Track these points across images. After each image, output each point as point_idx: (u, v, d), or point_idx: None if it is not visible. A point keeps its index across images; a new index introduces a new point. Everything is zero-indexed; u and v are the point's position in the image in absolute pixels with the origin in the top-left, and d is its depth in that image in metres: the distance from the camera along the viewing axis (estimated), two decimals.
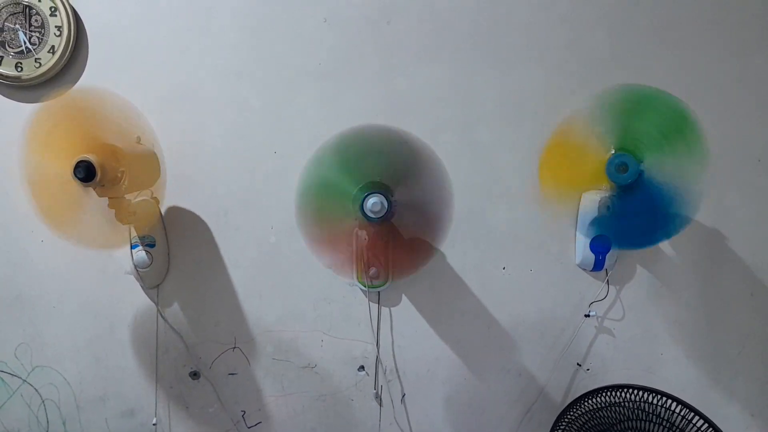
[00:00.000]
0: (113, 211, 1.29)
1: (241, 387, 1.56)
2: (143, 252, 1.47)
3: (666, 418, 1.20)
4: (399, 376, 1.57)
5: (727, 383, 1.59)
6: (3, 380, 1.53)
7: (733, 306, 1.59)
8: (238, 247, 1.54)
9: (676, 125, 1.36)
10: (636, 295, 1.58)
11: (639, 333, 1.58)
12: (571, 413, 1.40)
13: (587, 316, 1.57)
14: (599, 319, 1.58)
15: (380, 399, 1.56)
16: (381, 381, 1.56)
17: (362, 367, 1.57)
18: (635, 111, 1.38)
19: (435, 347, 1.58)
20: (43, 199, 1.30)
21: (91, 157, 1.20)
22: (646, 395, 1.29)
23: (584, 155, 1.43)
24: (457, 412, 1.59)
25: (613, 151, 1.39)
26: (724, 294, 1.59)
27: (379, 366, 1.57)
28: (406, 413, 1.58)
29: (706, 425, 1.19)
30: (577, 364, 1.59)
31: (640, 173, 1.36)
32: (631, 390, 1.32)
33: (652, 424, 1.20)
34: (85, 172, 1.19)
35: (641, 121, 1.37)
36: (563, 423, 1.41)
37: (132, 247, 1.45)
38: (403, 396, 1.58)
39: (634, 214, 1.41)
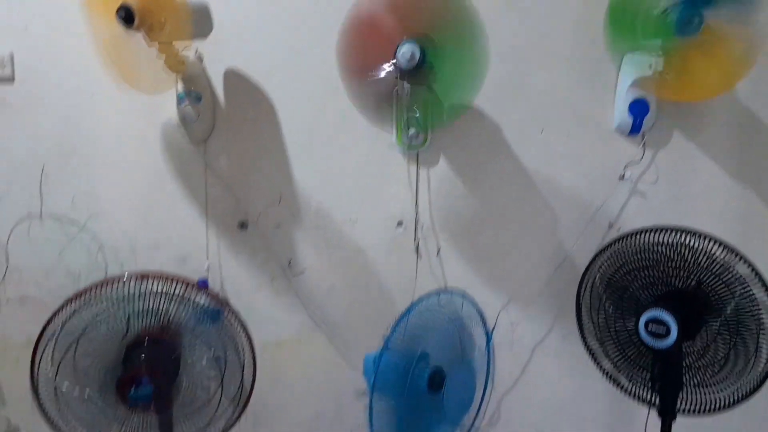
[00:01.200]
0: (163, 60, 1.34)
1: (287, 239, 1.66)
2: (190, 106, 1.51)
3: (703, 263, 1.25)
4: (435, 232, 1.65)
5: (758, 248, 1.65)
6: (62, 227, 1.64)
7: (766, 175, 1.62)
8: (284, 107, 1.58)
9: None
10: (671, 159, 1.60)
11: (672, 197, 1.62)
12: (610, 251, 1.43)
13: (622, 178, 1.61)
14: (633, 181, 1.62)
15: (418, 251, 1.65)
16: (419, 235, 1.64)
17: (400, 223, 1.65)
18: None
19: (470, 206, 1.64)
20: (105, 53, 1.33)
21: (131, 2, 1.26)
22: (683, 236, 1.30)
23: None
24: (488, 267, 1.68)
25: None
26: (759, 164, 1.62)
27: (417, 222, 1.65)
28: (441, 266, 1.67)
29: (750, 269, 1.24)
30: (609, 223, 1.65)
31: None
32: (668, 231, 1.32)
33: (688, 265, 1.26)
34: (125, 13, 1.27)
35: None
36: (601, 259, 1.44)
37: (179, 99, 1.49)
38: (439, 250, 1.66)
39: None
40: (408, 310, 1.22)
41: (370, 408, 1.24)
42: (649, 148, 1.60)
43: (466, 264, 1.67)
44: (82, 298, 1.20)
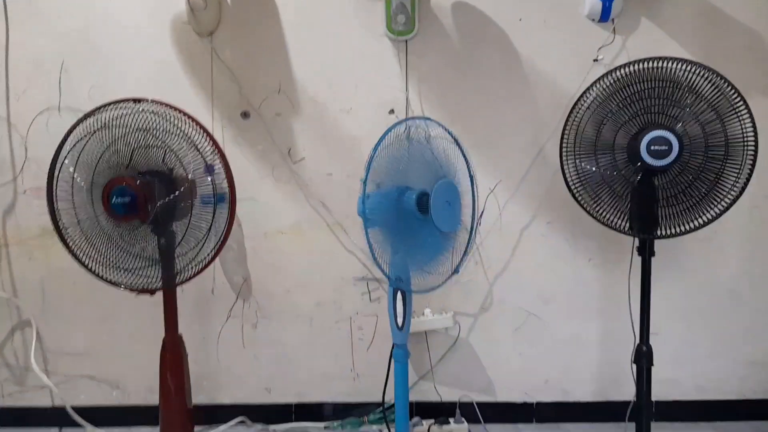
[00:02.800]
0: None
1: (286, 127, 1.77)
2: None
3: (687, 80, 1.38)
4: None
5: None
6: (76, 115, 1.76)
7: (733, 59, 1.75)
8: (284, 4, 1.73)
9: None
10: (641, 44, 1.74)
11: None
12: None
13: (596, 60, 1.74)
14: (607, 66, 1.74)
15: (409, 138, 1.76)
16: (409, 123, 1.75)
17: (392, 111, 1.77)
18: None
19: (457, 93, 1.77)
20: None
21: None
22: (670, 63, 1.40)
23: None
24: (476, 152, 1.76)
25: None
26: (721, 48, 1.75)
27: (408, 110, 1.76)
28: (432, 151, 1.77)
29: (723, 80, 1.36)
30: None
31: None
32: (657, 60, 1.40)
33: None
34: None
35: None
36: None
37: None
38: (429, 137, 1.77)
39: None
40: (377, 144, 1.32)
41: (368, 239, 1.32)
42: (619, 34, 1.74)
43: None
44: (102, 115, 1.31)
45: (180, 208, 1.36)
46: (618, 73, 1.42)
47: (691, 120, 1.38)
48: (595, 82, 1.44)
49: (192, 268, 1.40)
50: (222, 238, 1.40)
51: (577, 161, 1.47)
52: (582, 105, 1.46)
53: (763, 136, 1.75)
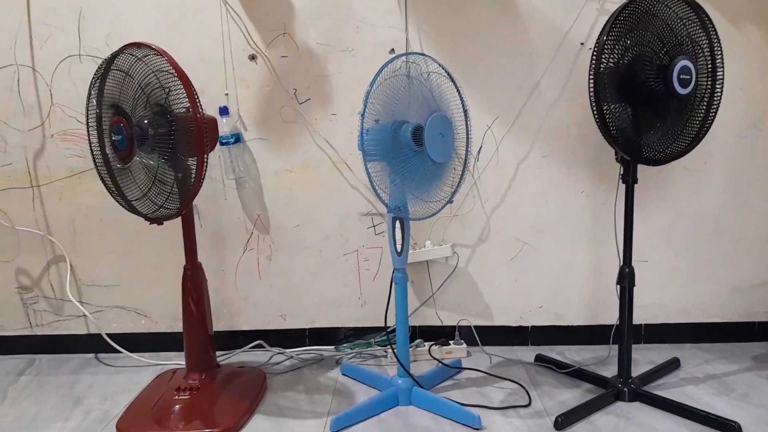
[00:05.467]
0: None
1: (292, 68, 1.86)
2: None
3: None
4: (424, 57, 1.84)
5: None
6: (96, 63, 1.87)
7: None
8: None
9: None
10: None
11: None
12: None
13: None
14: (600, 2, 1.79)
15: (410, 76, 1.84)
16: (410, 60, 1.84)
17: (392, 50, 1.84)
18: None
19: (455, 31, 1.84)
20: None
21: None
22: None
23: None
24: (473, 89, 1.86)
25: None
26: None
27: (409, 48, 1.84)
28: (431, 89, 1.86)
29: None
30: (581, 43, 1.83)
31: None
32: None
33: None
34: None
35: None
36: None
37: None
38: (428, 75, 1.85)
39: None
40: (375, 78, 1.40)
41: (368, 171, 1.42)
42: None
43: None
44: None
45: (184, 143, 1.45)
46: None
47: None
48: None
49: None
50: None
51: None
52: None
53: (754, 67, 1.82)
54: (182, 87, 1.39)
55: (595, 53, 1.39)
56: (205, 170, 1.45)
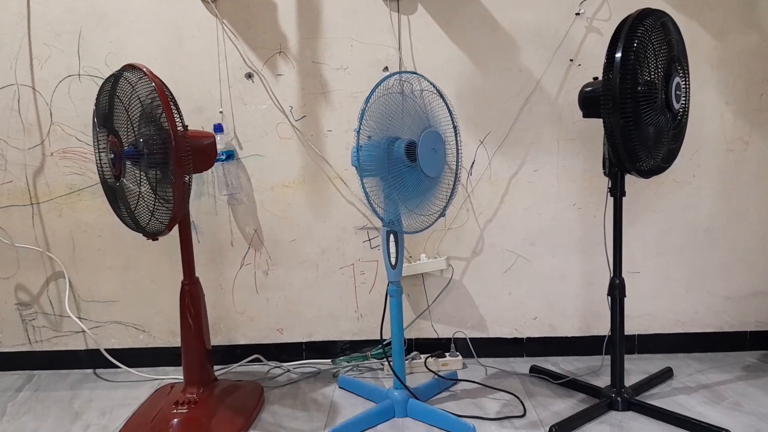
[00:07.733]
0: None
1: (288, 86, 1.90)
2: None
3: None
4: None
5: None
6: (97, 84, 1.90)
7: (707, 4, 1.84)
8: None
9: None
10: None
11: None
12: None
13: (578, 14, 1.83)
14: (589, 19, 1.84)
15: (403, 93, 1.88)
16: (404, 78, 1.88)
17: (386, 68, 1.88)
18: None
19: (447, 49, 1.88)
20: None
21: None
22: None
23: None
24: (466, 106, 1.90)
25: None
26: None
27: (402, 66, 1.88)
28: (425, 105, 1.90)
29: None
30: (570, 60, 1.87)
31: None
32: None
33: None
34: None
35: None
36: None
37: None
38: (422, 91, 1.89)
39: None
40: (369, 96, 1.44)
41: (363, 186, 1.45)
42: None
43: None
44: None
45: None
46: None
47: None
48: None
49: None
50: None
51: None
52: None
53: (740, 81, 1.86)
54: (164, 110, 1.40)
55: (618, 72, 1.37)
56: (188, 189, 1.46)
